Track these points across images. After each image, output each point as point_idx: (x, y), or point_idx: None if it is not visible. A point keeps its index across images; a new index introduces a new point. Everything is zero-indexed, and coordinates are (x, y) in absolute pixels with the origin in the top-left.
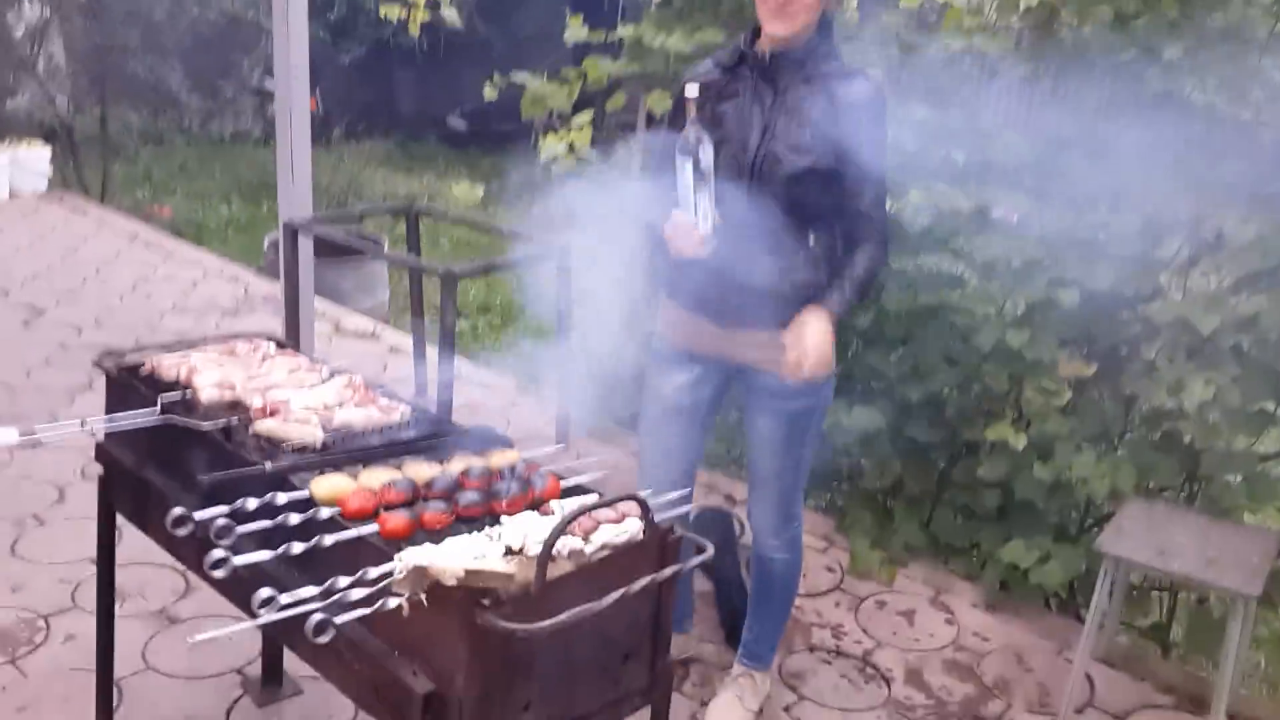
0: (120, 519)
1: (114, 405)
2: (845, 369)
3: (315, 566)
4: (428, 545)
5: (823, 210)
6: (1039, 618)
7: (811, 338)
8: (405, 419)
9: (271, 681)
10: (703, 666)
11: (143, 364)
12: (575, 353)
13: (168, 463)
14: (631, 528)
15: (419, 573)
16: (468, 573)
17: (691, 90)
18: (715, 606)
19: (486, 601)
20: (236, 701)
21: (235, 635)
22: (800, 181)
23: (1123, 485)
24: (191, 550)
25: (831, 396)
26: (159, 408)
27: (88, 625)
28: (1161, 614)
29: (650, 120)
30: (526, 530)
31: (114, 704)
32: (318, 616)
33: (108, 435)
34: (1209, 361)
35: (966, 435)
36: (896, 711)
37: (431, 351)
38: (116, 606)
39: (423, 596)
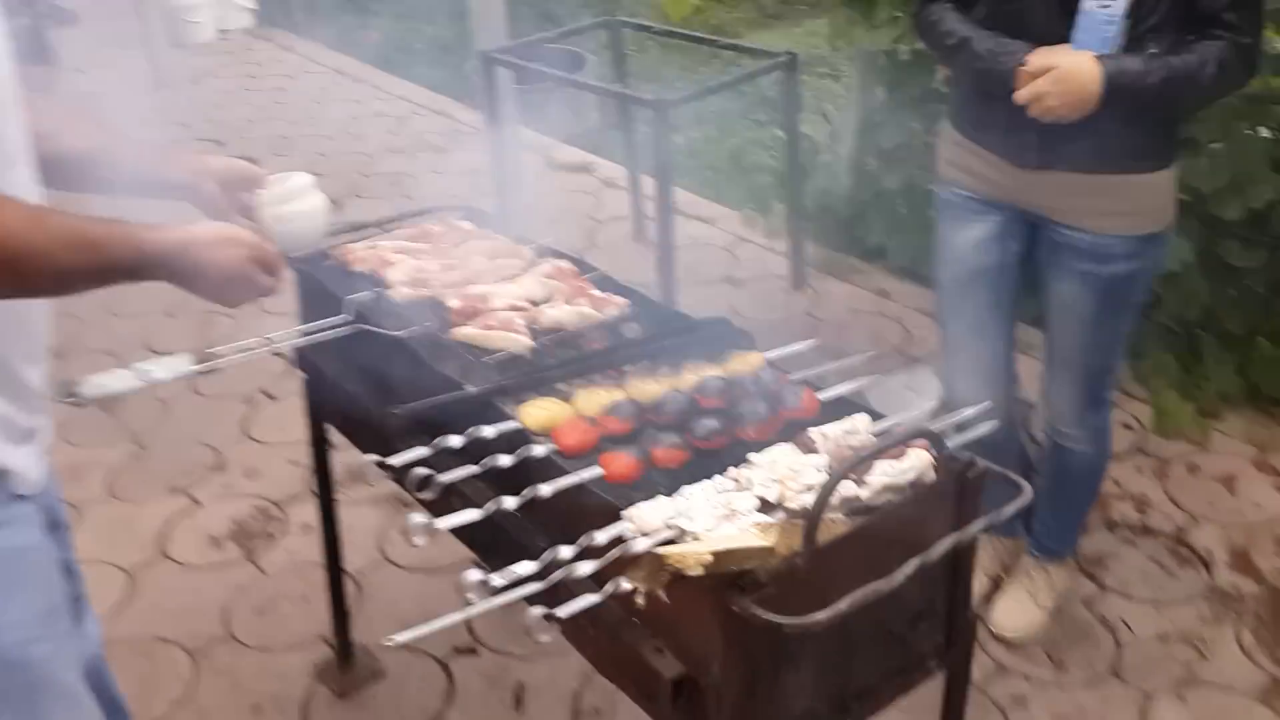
0: None
1: (307, 303)
2: None
3: (531, 514)
4: (660, 500)
5: (1168, 19)
6: None
7: (1068, 66)
8: (624, 315)
9: None
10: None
11: (329, 256)
12: (808, 179)
13: (367, 371)
14: (918, 462)
15: (655, 563)
16: (717, 556)
17: None
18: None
19: (742, 584)
20: None
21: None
22: None
23: None
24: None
25: (1163, 259)
26: (352, 314)
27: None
28: None
29: None
30: (782, 472)
31: (345, 601)
32: (538, 611)
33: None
34: None
35: None
36: (1221, 602)
37: (648, 183)
38: (348, 493)
39: (662, 592)
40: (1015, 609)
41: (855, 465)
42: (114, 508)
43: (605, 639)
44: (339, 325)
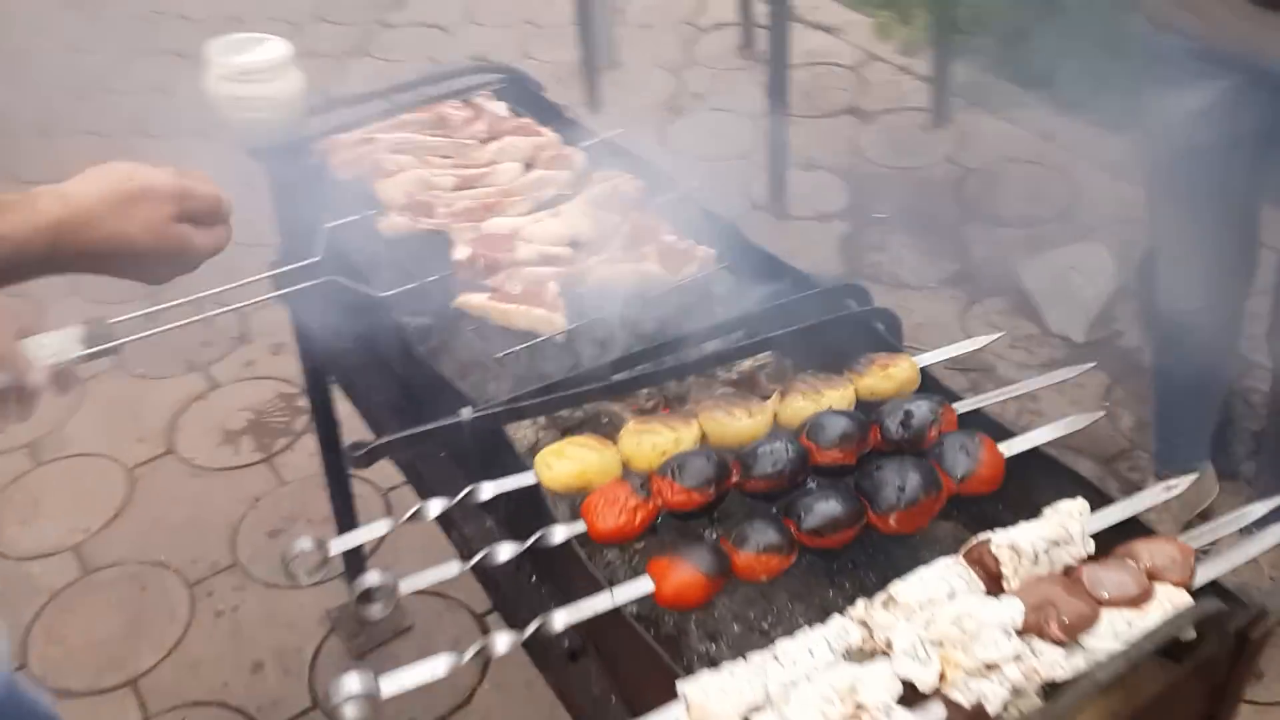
0: None
1: (281, 218)
2: None
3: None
4: (738, 671)
5: None
6: None
7: None
8: (706, 276)
9: None
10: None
11: (309, 151)
12: None
13: (352, 330)
14: (1168, 604)
15: None
16: None
17: None
18: None
19: None
20: None
21: None
22: None
23: None
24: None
25: None
26: (321, 254)
27: None
28: None
29: None
30: (945, 629)
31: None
32: None
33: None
34: None
35: None
36: None
37: None
38: None
39: None
40: None
41: (1091, 686)
42: (124, 385)
43: None
44: (304, 278)
